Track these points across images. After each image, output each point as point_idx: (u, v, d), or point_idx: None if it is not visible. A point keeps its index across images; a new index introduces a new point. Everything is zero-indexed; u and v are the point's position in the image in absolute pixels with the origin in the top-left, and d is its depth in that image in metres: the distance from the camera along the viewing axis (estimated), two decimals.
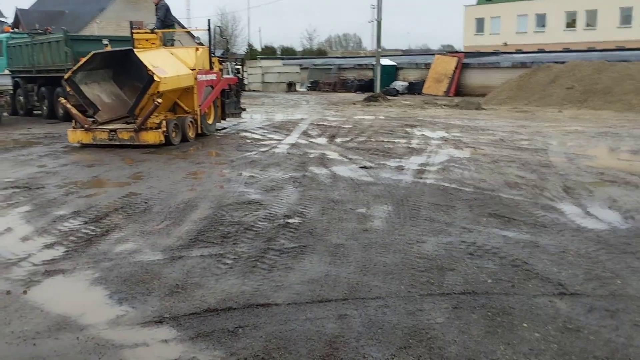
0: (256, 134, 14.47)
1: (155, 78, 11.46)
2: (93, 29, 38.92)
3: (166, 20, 13.98)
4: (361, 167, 9.52)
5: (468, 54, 39.05)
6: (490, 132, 14.54)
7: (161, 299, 4.21)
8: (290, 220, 6.26)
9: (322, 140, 12.95)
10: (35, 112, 20.76)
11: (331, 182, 8.34)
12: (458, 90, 33.99)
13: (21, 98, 20.85)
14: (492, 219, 6.33)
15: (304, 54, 65.95)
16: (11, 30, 24.36)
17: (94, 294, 4.35)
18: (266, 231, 5.87)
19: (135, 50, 12.55)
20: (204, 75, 13.36)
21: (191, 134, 12.84)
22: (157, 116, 11.93)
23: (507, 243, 5.45)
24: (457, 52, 45.76)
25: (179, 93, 12.88)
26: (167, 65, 12.33)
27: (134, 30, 13.60)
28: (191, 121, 12.89)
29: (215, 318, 3.89)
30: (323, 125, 16.37)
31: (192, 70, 12.98)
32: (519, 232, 5.83)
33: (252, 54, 59.09)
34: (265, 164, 9.86)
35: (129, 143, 11.74)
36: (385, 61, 37.55)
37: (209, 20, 14.37)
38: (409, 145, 12.07)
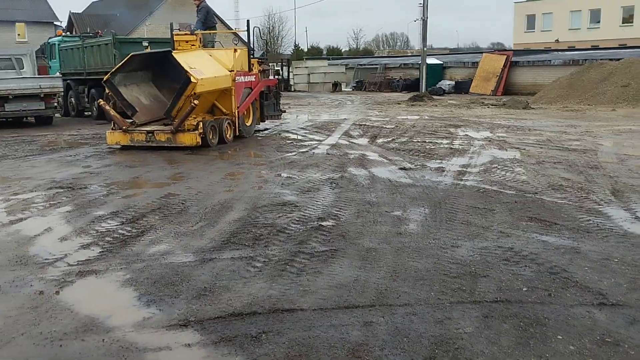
0: (297, 134, 14.47)
1: (192, 79, 11.41)
2: (143, 32, 39.84)
3: (207, 22, 14.01)
4: (400, 169, 9.37)
5: (517, 52, 38.22)
6: (537, 132, 14.13)
7: (188, 302, 4.21)
8: (323, 223, 6.20)
9: (363, 141, 12.84)
10: (86, 113, 21.37)
11: (369, 184, 8.23)
12: (506, 89, 33.28)
13: (72, 100, 21.49)
14: (533, 223, 6.11)
15: (349, 54, 65.83)
16: (63, 34, 25.14)
17: (123, 296, 4.39)
18: (298, 234, 5.82)
19: (173, 51, 12.61)
20: (242, 77, 13.34)
21: (229, 135, 12.79)
22: (194, 118, 11.90)
23: (547, 249, 5.24)
24: (505, 50, 44.81)
25: (217, 95, 12.86)
26: (205, 66, 12.31)
27: (174, 32, 13.68)
28: (229, 123, 12.84)
29: (240, 323, 3.85)
30: (365, 125, 16.25)
31: (230, 71, 12.94)
32: (560, 237, 5.60)
33: (298, 55, 59.35)
34: (304, 165, 9.83)
35: (165, 145, 11.77)
36: (431, 60, 37.10)
37: (248, 21, 14.38)
38: (452, 146, 11.83)
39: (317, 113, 21.75)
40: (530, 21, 59.84)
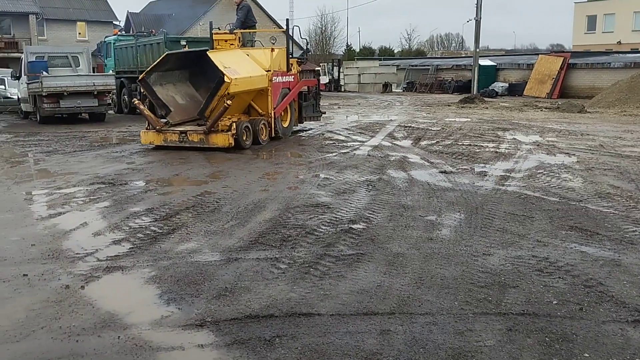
0: (341, 135, 14.39)
1: (226, 79, 11.13)
2: (197, 31, 40.55)
3: (247, 21, 13.82)
4: (441, 172, 9.17)
5: (575, 54, 37.00)
6: (590, 137, 13.60)
7: (208, 302, 4.19)
8: (354, 226, 6.10)
9: (407, 143, 12.64)
10: (137, 111, 21.83)
11: (406, 187, 8.08)
12: (563, 92, 32.27)
13: (125, 97, 22.02)
14: (573, 232, 5.84)
15: (402, 55, 65.25)
16: (118, 33, 25.82)
17: (145, 293, 4.41)
18: (327, 236, 5.74)
19: (208, 50, 12.44)
20: (279, 77, 13.07)
21: (264, 136, 12.48)
22: (228, 118, 11.71)
23: (584, 260, 4.99)
24: (563, 51, 43.49)
25: (254, 95, 12.62)
26: (241, 66, 12.07)
27: (213, 31, 13.61)
28: (264, 124, 12.54)
29: (256, 325, 3.81)
30: (410, 127, 16.02)
31: (267, 71, 12.69)
32: (601, 248, 5.33)
33: (349, 55, 59.24)
34: (343, 166, 9.74)
35: (198, 145, 11.54)
36: (484, 61, 36.35)
37: (287, 19, 14.19)
38: (497, 150, 11.51)
39: (364, 114, 21.60)
40: (591, 22, 57.79)
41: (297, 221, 6.31)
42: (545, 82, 33.02)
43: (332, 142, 13.07)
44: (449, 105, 25.64)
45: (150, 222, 6.36)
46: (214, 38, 13.45)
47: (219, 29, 13.73)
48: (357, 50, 65.75)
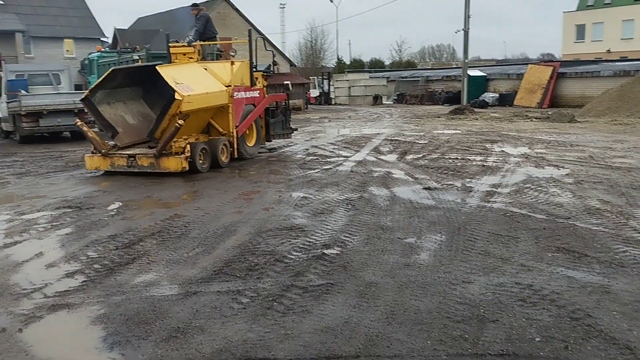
0: (326, 150, 14.02)
1: (177, 96, 10.08)
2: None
3: (206, 32, 12.88)
4: (425, 188, 8.80)
5: (565, 63, 36.94)
6: (579, 148, 13.28)
7: (155, 345, 3.78)
8: (327, 251, 5.71)
9: (392, 157, 12.28)
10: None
11: (387, 205, 7.70)
12: (553, 101, 32.12)
13: None
14: (560, 254, 5.47)
15: (392, 67, 65.20)
16: (102, 50, 25.48)
17: (88, 335, 3.99)
18: (297, 264, 5.35)
19: (158, 65, 11.13)
20: (242, 93, 12.09)
21: (224, 158, 11.40)
22: (185, 139, 10.68)
23: (571, 287, 4.61)
24: (552, 61, 43.44)
25: (213, 112, 11.62)
26: (196, 81, 11.01)
27: (170, 44, 12.63)
28: (225, 144, 11.49)
29: None
30: (397, 140, 15.67)
31: (228, 86, 11.72)
32: (589, 272, 4.96)
33: (340, 68, 59.09)
34: (324, 184, 9.36)
35: (149, 170, 10.45)
36: (474, 72, 36.25)
37: (249, 30, 13.13)
38: (484, 163, 11.16)
39: (352, 127, 21.28)
40: (580, 31, 57.99)
41: (267, 247, 5.92)
42: (536, 92, 32.85)
43: (315, 157, 12.69)
44: (438, 117, 25.36)
45: (110, 250, 5.95)
46: (171, 51, 12.51)
47: (177, 42, 12.68)
48: (348, 63, 65.64)
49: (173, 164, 10.30)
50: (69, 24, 45.07)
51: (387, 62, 71.19)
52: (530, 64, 37.62)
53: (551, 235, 6.13)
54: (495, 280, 4.80)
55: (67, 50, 44.05)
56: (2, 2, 42.13)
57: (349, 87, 42.69)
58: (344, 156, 12.73)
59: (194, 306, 4.41)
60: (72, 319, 4.30)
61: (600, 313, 4.10)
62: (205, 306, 4.40)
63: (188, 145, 10.46)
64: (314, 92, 44.21)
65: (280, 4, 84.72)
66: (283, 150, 14.18)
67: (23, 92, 17.60)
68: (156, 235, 6.52)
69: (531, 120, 22.32)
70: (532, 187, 8.79)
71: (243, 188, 9.37)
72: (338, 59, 63.82)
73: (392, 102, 41.68)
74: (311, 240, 6.13)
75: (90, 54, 25.15)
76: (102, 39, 44.44)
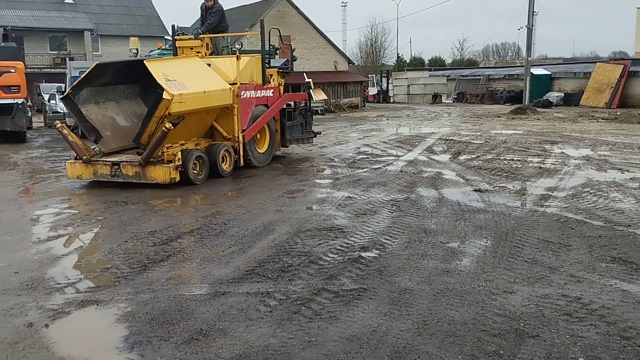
0: (377, 148, 13.77)
1: (165, 95, 8.72)
2: (244, 43, 40.58)
3: (220, 25, 11.63)
4: (475, 190, 8.45)
5: (637, 61, 35.10)
6: None
7: (176, 347, 3.69)
8: (365, 254, 5.50)
9: (444, 158, 11.91)
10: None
11: (434, 207, 7.41)
12: (622, 101, 30.63)
13: None
14: (615, 265, 5.07)
15: (453, 65, 63.95)
16: (162, 47, 25.97)
17: (111, 334, 3.94)
18: (332, 266, 5.17)
19: (146, 59, 9.83)
20: (251, 92, 10.73)
21: (226, 166, 10.04)
22: (181, 144, 9.60)
23: (625, 302, 4.24)
24: (623, 59, 41.45)
25: (216, 114, 10.29)
26: (193, 78, 9.64)
27: (176, 37, 11.58)
28: (227, 150, 10.11)
29: None
30: (452, 140, 15.24)
31: (233, 84, 10.36)
32: None
33: (399, 66, 58.42)
34: (371, 183, 9.14)
35: (134, 181, 9.12)
36: (538, 70, 35.05)
37: (262, 20, 11.58)
38: (542, 165, 10.65)
39: (408, 125, 20.90)
40: None
41: (303, 247, 5.76)
42: (604, 92, 31.42)
43: (365, 156, 12.46)
44: (498, 117, 24.60)
45: (148, 246, 5.93)
46: (177, 45, 11.43)
47: (184, 34, 11.63)
48: (408, 61, 64.79)
49: (160, 173, 8.97)
50: (134, 22, 46.43)
51: (448, 61, 69.95)
52: (599, 62, 36.03)
53: (607, 243, 5.71)
54: (540, 291, 4.47)
55: (136, 48, 45.34)
56: (72, 2, 43.72)
57: (408, 85, 42.13)
58: (395, 155, 12.45)
59: (221, 307, 4.30)
60: (99, 315, 4.27)
61: None
62: (232, 308, 4.28)
63: (179, 153, 9.22)
64: (372, 90, 43.86)
65: (342, 2, 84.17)
66: (334, 147, 14.02)
67: None
68: (195, 232, 6.47)
69: (597, 121, 21.32)
70: (592, 191, 8.29)
71: (288, 186, 9.25)
72: (398, 57, 63.10)
73: (451, 101, 40.86)
74: (350, 242, 5.93)
75: (151, 51, 25.66)
76: (166, 37, 45.49)
